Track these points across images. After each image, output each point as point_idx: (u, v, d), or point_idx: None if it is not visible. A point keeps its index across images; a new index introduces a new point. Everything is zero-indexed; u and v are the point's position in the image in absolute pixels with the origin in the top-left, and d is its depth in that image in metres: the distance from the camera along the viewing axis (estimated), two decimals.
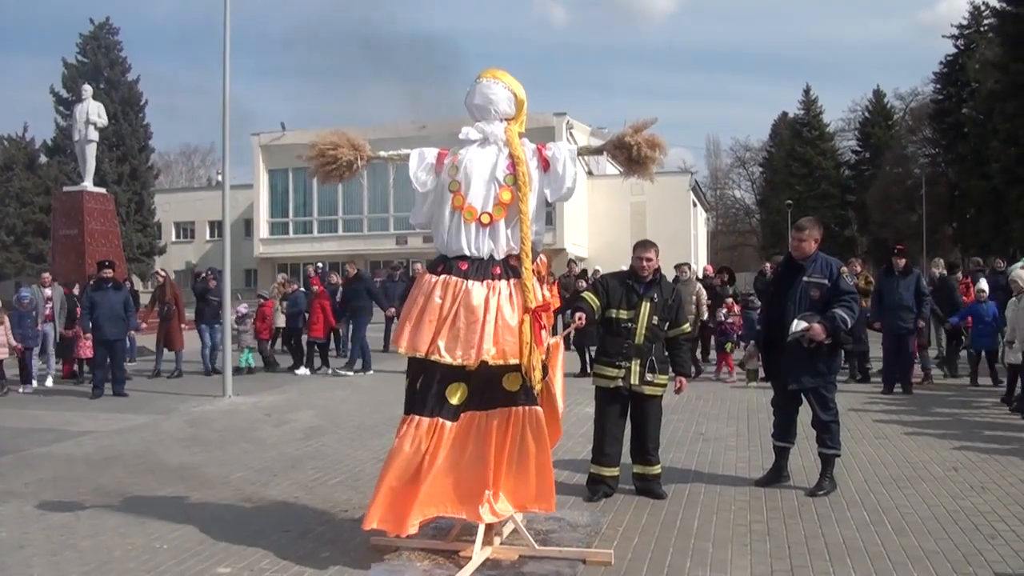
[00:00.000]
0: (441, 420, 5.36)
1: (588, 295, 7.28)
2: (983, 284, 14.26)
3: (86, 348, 15.39)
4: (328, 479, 7.93)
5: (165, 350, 16.65)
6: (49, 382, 15.40)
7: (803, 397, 7.42)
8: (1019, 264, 13.29)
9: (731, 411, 11.51)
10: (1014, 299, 11.45)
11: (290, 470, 8.33)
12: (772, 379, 7.78)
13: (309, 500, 7.16)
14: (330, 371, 16.91)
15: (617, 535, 6.11)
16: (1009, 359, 11.66)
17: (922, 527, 6.22)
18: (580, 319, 6.86)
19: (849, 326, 7.23)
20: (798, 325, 7.05)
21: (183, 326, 16.87)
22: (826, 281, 7.21)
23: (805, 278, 7.25)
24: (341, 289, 17.89)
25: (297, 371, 16.85)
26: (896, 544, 5.84)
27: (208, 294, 17.12)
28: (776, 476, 7.52)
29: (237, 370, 16.69)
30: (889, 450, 8.82)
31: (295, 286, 18.38)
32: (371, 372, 16.44)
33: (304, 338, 17.46)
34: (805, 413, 7.51)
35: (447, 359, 5.30)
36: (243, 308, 17.75)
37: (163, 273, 17.82)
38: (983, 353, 14.13)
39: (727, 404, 12.11)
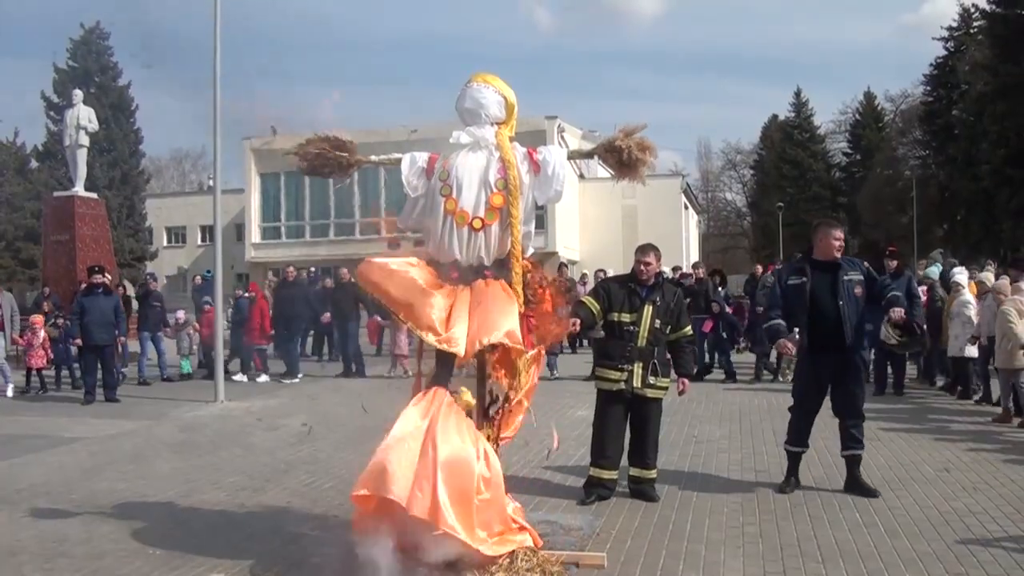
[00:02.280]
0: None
1: (588, 300, 7.30)
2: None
3: (38, 358, 15.25)
4: (321, 484, 7.92)
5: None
6: (10, 392, 15.02)
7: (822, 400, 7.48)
8: (935, 266, 15.37)
9: (723, 413, 11.53)
10: (977, 300, 12.33)
11: (282, 475, 8.31)
12: (809, 383, 7.51)
13: (302, 505, 7.16)
14: (267, 377, 16.56)
15: (610, 538, 6.12)
16: (955, 352, 12.51)
17: (914, 528, 6.24)
18: (575, 325, 6.89)
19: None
20: (885, 327, 7.30)
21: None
22: (862, 277, 7.32)
23: (846, 277, 7.26)
24: (274, 294, 17.47)
25: (234, 377, 16.28)
26: (888, 545, 5.87)
27: (150, 299, 16.74)
28: (797, 480, 7.47)
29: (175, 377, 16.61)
30: (881, 451, 8.84)
31: (239, 292, 17.96)
32: (299, 378, 16.16)
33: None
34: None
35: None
36: (180, 315, 17.44)
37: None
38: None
39: (719, 406, 12.13)
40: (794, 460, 7.54)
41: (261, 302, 16.78)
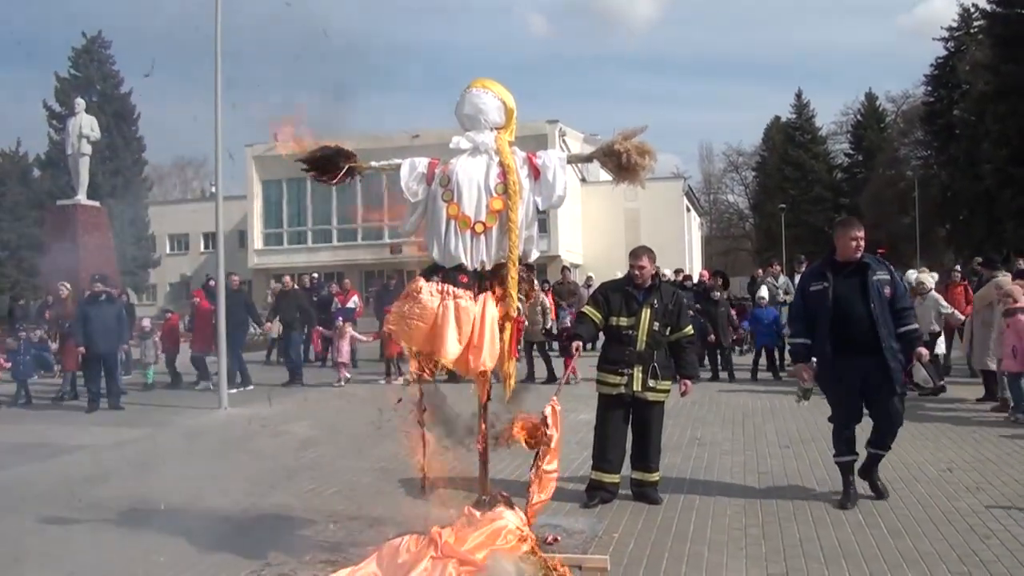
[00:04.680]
0: None
1: (589, 309, 7.29)
2: (763, 292, 16.57)
3: None
4: (324, 490, 7.94)
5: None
6: None
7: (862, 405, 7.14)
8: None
9: (726, 416, 11.54)
10: (917, 299, 12.86)
11: (286, 481, 8.33)
12: (842, 391, 7.11)
13: (305, 511, 7.16)
14: (210, 386, 16.12)
15: (613, 541, 6.13)
16: None
17: (917, 528, 6.25)
18: (578, 349, 6.94)
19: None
20: (919, 369, 7.19)
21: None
22: (888, 276, 7.02)
23: (875, 277, 6.92)
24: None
25: (197, 387, 16.30)
26: (891, 545, 5.87)
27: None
28: (855, 492, 7.08)
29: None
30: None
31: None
32: (251, 387, 15.84)
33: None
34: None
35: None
36: (146, 323, 17.35)
37: (66, 287, 16.62)
38: (765, 350, 16.32)
39: (722, 409, 12.14)
40: (847, 471, 7.13)
41: (203, 310, 16.65)
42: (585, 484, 7.37)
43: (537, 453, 5.68)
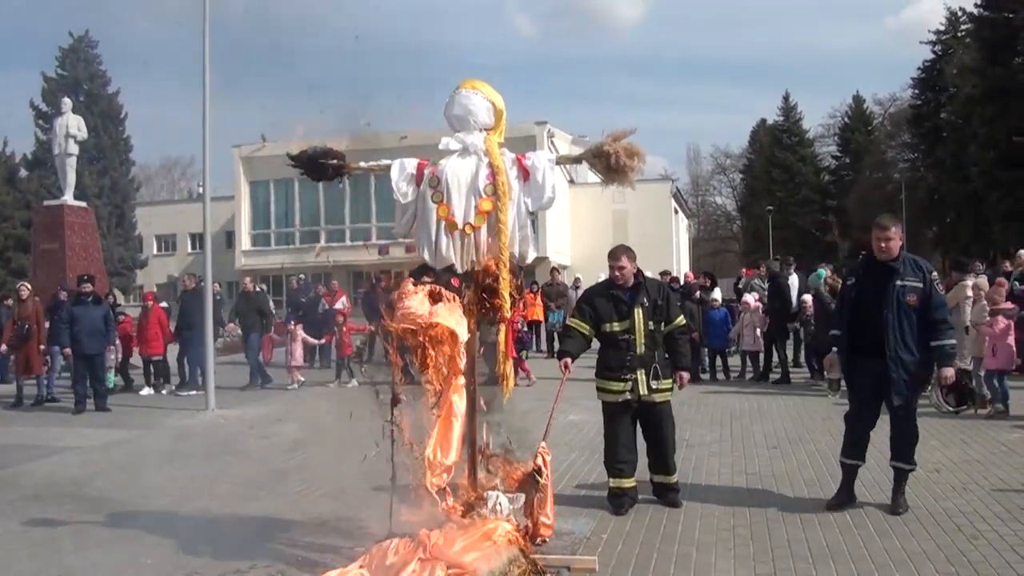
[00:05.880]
0: None
1: (575, 322, 7.05)
2: (716, 294, 17.09)
3: None
4: (313, 492, 7.91)
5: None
6: None
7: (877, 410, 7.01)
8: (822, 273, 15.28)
9: (714, 417, 11.54)
10: None
11: (275, 483, 8.30)
12: (855, 391, 7.14)
13: (294, 513, 7.14)
14: (167, 391, 16.16)
15: (601, 542, 6.12)
16: None
17: (904, 529, 6.26)
18: (567, 367, 6.73)
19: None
20: (935, 391, 7.00)
21: (42, 347, 15.11)
22: (921, 284, 6.62)
23: (899, 282, 6.60)
24: (179, 304, 16.99)
25: (142, 392, 16.14)
26: (879, 546, 5.89)
27: (61, 311, 15.49)
28: (850, 497, 6.98)
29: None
30: (871, 453, 8.75)
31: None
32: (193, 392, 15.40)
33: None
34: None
35: None
36: None
37: (27, 288, 15.77)
38: (712, 351, 16.76)
39: (710, 410, 12.14)
40: (847, 473, 7.03)
41: (157, 311, 16.52)
42: (572, 485, 7.35)
43: (533, 501, 5.67)
